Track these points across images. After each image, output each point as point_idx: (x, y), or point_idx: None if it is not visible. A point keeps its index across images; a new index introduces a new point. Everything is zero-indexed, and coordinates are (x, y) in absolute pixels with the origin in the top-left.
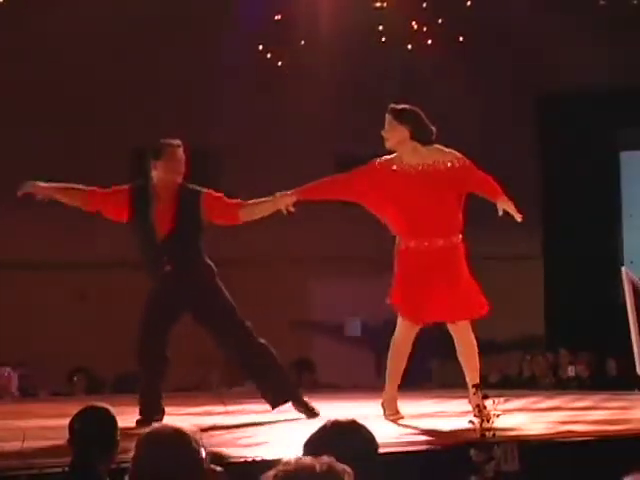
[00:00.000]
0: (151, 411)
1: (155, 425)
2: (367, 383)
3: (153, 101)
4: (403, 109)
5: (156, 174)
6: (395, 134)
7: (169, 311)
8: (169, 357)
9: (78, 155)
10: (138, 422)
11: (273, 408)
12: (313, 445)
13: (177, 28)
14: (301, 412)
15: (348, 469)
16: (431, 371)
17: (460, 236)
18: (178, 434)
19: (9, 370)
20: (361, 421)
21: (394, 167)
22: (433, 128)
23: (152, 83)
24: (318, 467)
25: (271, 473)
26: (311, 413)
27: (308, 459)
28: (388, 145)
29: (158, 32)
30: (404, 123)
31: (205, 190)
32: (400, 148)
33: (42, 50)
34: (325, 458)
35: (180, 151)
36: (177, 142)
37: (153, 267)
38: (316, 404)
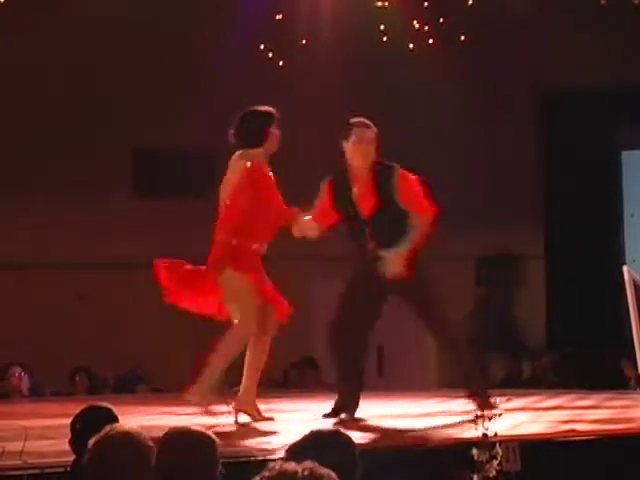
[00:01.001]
0: (343, 405)
1: (180, 425)
2: (368, 383)
3: (153, 101)
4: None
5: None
6: None
7: (372, 296)
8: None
9: (79, 155)
10: (324, 416)
11: (469, 397)
12: (293, 453)
13: (178, 28)
14: (477, 405)
15: (332, 474)
16: None
17: None
18: (206, 438)
19: (20, 370)
20: (362, 421)
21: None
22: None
23: (152, 83)
24: (300, 472)
25: (256, 479)
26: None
27: (292, 464)
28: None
29: (159, 32)
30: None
31: (400, 169)
32: None
33: (43, 50)
34: (308, 463)
35: (369, 132)
36: (364, 121)
37: (359, 249)
38: (320, 404)
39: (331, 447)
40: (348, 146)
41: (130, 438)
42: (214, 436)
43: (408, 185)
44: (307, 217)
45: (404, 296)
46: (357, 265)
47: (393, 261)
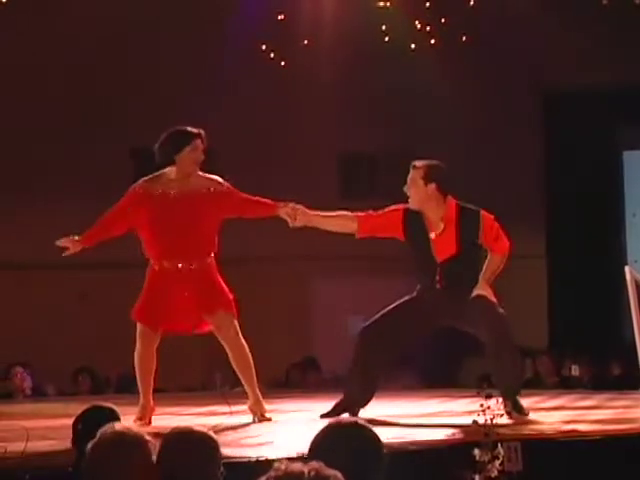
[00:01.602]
0: (348, 405)
1: (182, 426)
2: None
3: (154, 101)
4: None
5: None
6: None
7: (423, 319)
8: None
9: (78, 155)
10: (321, 416)
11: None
12: (318, 446)
13: (179, 28)
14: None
15: (338, 474)
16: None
17: (212, 256)
18: (207, 438)
19: (21, 370)
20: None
21: (159, 191)
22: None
23: (153, 83)
24: (306, 473)
25: (262, 479)
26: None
27: (298, 464)
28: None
29: (159, 32)
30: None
31: (483, 211)
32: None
33: (42, 50)
34: (314, 463)
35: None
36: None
37: (428, 283)
38: (322, 404)
39: (355, 438)
40: (423, 190)
41: (125, 438)
42: (215, 436)
43: (490, 227)
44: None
45: (461, 321)
46: (424, 288)
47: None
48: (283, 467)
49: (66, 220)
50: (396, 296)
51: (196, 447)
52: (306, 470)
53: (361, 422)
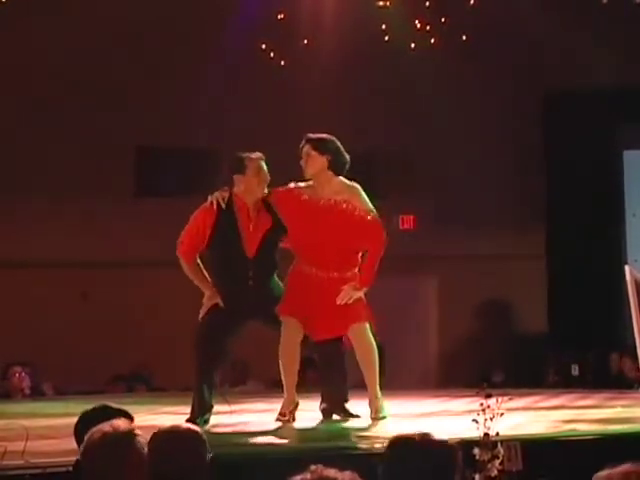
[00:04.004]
0: (201, 410)
1: (170, 424)
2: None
3: (155, 101)
4: (323, 139)
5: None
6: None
7: (240, 317)
8: (227, 360)
9: (80, 154)
10: (187, 420)
11: (324, 415)
12: (391, 460)
13: (179, 28)
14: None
15: None
16: None
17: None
18: (194, 434)
19: (20, 370)
20: (363, 421)
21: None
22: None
23: (153, 83)
24: None
25: (297, 478)
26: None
27: (332, 471)
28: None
29: (159, 32)
30: (324, 153)
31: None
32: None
33: (44, 48)
34: (349, 473)
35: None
36: (259, 155)
37: (234, 279)
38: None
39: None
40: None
41: (120, 436)
42: (201, 431)
43: None
44: None
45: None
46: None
47: None
48: (319, 470)
49: (66, 220)
50: (393, 295)
51: (181, 443)
52: (340, 477)
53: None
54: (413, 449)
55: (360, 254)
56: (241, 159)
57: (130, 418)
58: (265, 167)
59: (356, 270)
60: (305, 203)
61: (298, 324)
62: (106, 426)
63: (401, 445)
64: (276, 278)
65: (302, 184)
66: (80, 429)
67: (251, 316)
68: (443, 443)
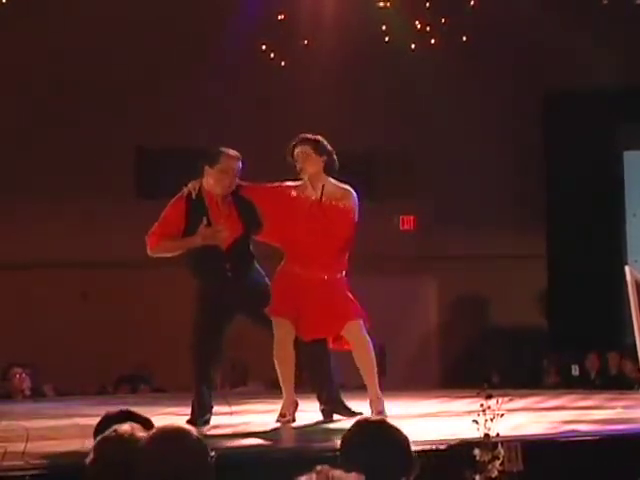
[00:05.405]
0: (201, 410)
1: (164, 424)
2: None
3: (155, 101)
4: (320, 140)
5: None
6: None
7: (228, 312)
8: (222, 358)
9: (80, 154)
10: (188, 421)
11: (325, 415)
12: (349, 444)
13: (179, 28)
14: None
15: None
16: None
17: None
18: (186, 433)
19: (21, 371)
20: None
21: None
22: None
23: (153, 83)
24: None
25: (303, 478)
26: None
27: (339, 472)
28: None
29: (160, 33)
30: (322, 154)
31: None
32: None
33: (44, 49)
34: (355, 475)
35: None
36: (236, 154)
37: (213, 273)
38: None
39: (385, 438)
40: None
41: (123, 439)
42: (194, 429)
43: None
44: None
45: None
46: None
47: None
48: (325, 471)
49: (66, 220)
50: (393, 295)
51: (175, 443)
52: (345, 479)
53: (388, 422)
54: (372, 430)
55: (347, 256)
56: (218, 153)
57: (150, 425)
58: (238, 168)
59: (344, 273)
60: (294, 201)
61: (290, 324)
62: (116, 430)
63: (361, 426)
64: (257, 266)
65: (290, 182)
66: (101, 431)
67: (238, 309)
68: (399, 430)
